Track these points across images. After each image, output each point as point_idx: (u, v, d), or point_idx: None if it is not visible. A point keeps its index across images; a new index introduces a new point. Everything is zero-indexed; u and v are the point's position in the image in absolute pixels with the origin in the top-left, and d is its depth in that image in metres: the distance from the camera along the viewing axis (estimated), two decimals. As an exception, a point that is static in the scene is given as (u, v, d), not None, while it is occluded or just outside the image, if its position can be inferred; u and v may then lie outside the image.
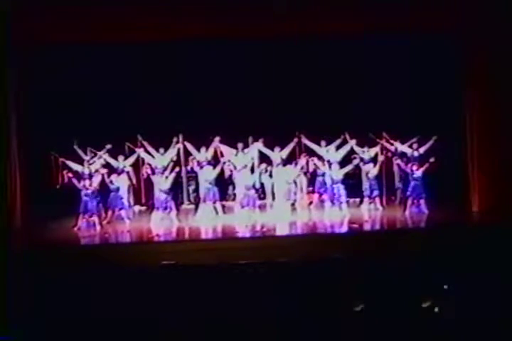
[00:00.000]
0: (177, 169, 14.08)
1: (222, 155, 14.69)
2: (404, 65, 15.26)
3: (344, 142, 14.79)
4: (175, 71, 14.99)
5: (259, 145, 14.68)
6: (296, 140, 14.66)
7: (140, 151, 14.57)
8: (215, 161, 14.65)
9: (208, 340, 7.10)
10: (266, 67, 15.15)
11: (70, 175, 13.81)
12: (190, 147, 14.67)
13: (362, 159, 14.64)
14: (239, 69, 15.13)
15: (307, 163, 14.76)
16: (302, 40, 14.21)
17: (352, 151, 14.74)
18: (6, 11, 12.71)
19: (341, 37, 14.14)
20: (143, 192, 15.39)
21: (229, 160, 14.60)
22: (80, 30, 13.18)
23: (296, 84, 15.33)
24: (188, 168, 14.98)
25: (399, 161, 14.60)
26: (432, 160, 13.87)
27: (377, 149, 14.85)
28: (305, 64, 15.13)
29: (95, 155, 14.52)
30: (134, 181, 15.04)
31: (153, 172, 14.27)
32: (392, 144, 14.90)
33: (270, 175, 14.58)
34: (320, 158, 14.73)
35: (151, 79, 15.11)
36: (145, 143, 14.58)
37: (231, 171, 14.69)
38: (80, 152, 14.49)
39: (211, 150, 14.66)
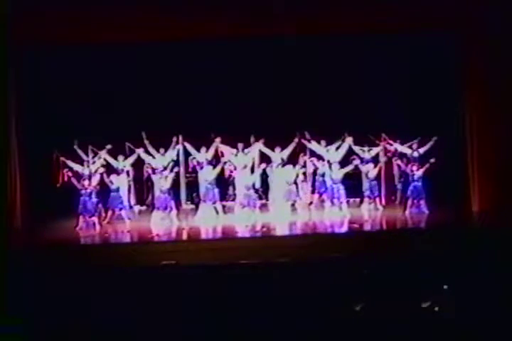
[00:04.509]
0: (177, 169, 14.11)
1: (222, 156, 14.70)
2: (404, 65, 15.27)
3: (344, 141, 14.81)
4: (175, 71, 14.99)
5: (259, 146, 14.69)
6: (296, 140, 14.66)
7: (140, 151, 14.58)
8: (215, 161, 14.66)
9: (208, 340, 7.10)
10: (266, 67, 15.15)
11: (70, 174, 13.84)
12: (190, 147, 14.68)
13: (362, 159, 14.64)
14: (239, 69, 15.12)
15: (305, 163, 14.75)
16: (302, 40, 14.20)
17: (352, 151, 14.75)
18: (6, 12, 12.71)
19: (341, 38, 14.17)
20: (143, 192, 15.41)
21: (229, 161, 14.63)
22: (80, 30, 13.20)
23: (296, 84, 15.32)
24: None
25: (399, 162, 14.60)
26: (432, 160, 13.89)
27: (378, 149, 14.86)
28: (306, 64, 15.12)
29: (96, 155, 14.53)
30: (134, 181, 15.07)
31: (154, 172, 14.28)
32: (391, 145, 14.90)
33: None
34: (320, 158, 14.74)
35: (151, 79, 15.12)
36: (146, 143, 14.58)
37: (231, 171, 14.70)
38: (80, 152, 14.51)
39: (211, 150, 14.67)
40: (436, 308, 7.13)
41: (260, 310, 7.28)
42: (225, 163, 14.66)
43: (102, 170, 14.02)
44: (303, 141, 14.70)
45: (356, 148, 14.76)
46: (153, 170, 14.38)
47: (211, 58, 14.87)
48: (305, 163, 14.80)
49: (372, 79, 15.28)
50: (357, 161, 14.48)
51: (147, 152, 14.62)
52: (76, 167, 14.17)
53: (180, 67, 15.01)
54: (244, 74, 15.18)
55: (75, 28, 13.15)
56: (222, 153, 14.72)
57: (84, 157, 14.46)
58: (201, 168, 14.62)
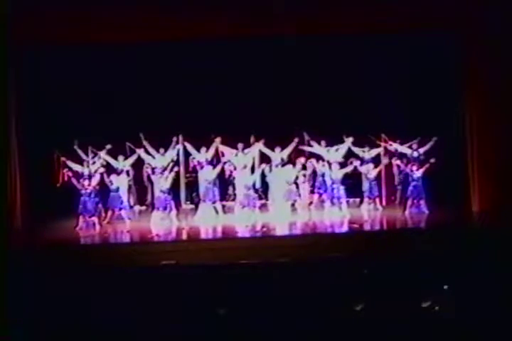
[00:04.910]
0: (177, 169, 14.11)
1: (223, 155, 14.70)
2: (404, 65, 15.26)
3: (343, 142, 14.80)
4: (175, 71, 14.99)
5: (259, 146, 14.68)
6: (296, 140, 14.65)
7: (140, 151, 14.57)
8: (215, 161, 14.66)
9: (208, 340, 7.10)
10: (266, 67, 15.14)
11: (70, 174, 13.85)
12: (190, 147, 14.68)
13: (362, 160, 14.63)
14: (239, 69, 15.12)
15: (303, 165, 14.73)
16: (302, 40, 14.20)
17: (352, 152, 14.74)
18: (6, 12, 12.71)
19: (341, 38, 14.17)
20: (143, 192, 15.40)
21: (229, 161, 14.63)
22: (80, 30, 13.20)
23: (296, 84, 15.30)
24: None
25: (399, 162, 14.60)
26: (432, 160, 13.89)
27: (379, 150, 14.85)
28: (306, 64, 15.11)
29: (96, 155, 14.52)
30: (134, 181, 15.07)
31: (153, 172, 14.28)
32: (391, 145, 14.90)
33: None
34: (319, 158, 14.73)
35: (151, 79, 15.11)
36: (145, 143, 14.58)
37: (231, 171, 14.70)
38: (80, 152, 14.50)
39: (211, 150, 14.67)
40: (436, 308, 7.14)
41: (260, 310, 7.28)
42: (225, 163, 14.66)
43: (102, 170, 14.02)
44: (301, 147, 14.67)
45: (356, 149, 14.76)
46: (153, 170, 14.37)
47: (211, 58, 14.86)
48: (302, 165, 14.77)
49: (372, 80, 15.27)
50: (356, 162, 14.47)
51: (147, 152, 14.61)
52: (76, 167, 14.17)
53: (180, 67, 15.00)
54: (244, 74, 15.16)
55: (75, 28, 13.15)
56: (222, 153, 14.72)
57: (84, 157, 14.45)
58: (201, 167, 14.61)
